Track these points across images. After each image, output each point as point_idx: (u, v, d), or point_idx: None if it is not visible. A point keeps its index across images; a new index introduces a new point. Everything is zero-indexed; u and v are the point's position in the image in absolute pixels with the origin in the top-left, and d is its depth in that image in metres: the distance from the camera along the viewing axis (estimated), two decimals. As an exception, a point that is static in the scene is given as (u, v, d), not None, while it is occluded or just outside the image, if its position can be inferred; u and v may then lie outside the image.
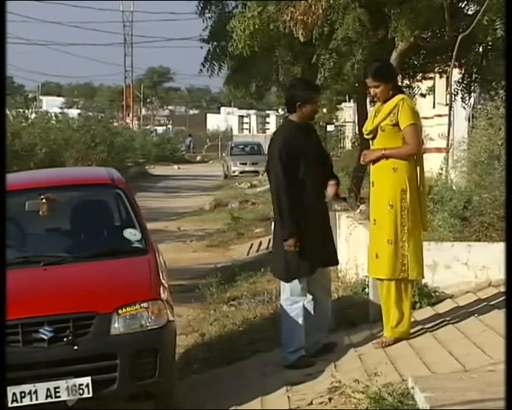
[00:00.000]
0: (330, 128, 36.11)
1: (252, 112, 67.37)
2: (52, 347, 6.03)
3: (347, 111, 38.54)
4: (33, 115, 29.89)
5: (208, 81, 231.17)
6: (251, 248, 16.59)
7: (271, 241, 8.56)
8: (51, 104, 72.09)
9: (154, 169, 48.18)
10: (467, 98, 13.77)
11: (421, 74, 14.48)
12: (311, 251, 7.18)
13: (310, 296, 7.41)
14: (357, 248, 10.08)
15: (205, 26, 14.30)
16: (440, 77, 15.41)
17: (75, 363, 6.04)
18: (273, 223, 7.67)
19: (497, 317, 6.99)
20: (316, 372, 6.96)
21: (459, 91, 13.54)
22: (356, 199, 12.71)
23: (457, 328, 7.26)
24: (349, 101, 33.60)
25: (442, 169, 10.79)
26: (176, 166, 52.06)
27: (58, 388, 5.98)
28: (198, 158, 63.98)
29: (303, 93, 7.37)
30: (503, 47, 9.41)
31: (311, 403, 6.30)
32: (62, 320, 6.09)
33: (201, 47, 14.49)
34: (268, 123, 65.65)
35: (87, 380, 6.01)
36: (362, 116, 13.79)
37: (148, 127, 71.78)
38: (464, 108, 14.17)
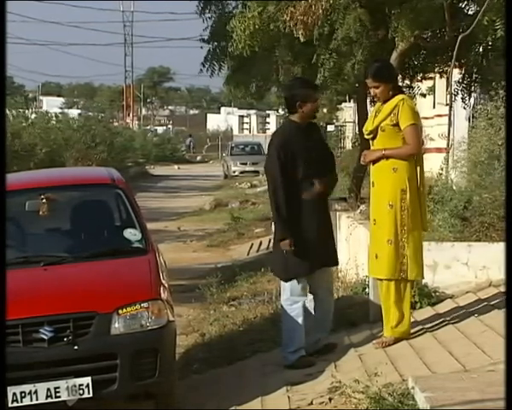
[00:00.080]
0: (330, 128, 36.11)
1: (252, 112, 67.40)
2: (52, 347, 6.03)
3: (347, 111, 38.53)
4: (33, 115, 29.90)
5: (208, 81, 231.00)
6: (251, 248, 16.59)
7: (271, 241, 8.56)
8: (51, 104, 72.09)
9: (155, 169, 48.19)
10: (467, 98, 13.77)
11: (421, 74, 14.47)
12: (310, 251, 7.18)
13: (310, 296, 7.41)
14: (357, 248, 10.08)
15: (205, 27, 14.31)
16: (440, 77, 15.39)
17: (75, 363, 6.05)
18: (273, 223, 7.67)
19: (497, 317, 6.99)
20: (316, 372, 6.96)
21: (459, 91, 13.54)
22: (356, 199, 12.70)
23: (457, 328, 7.26)
24: (349, 101, 33.58)
25: (442, 169, 10.79)
26: (176, 167, 52.07)
27: (58, 388, 5.99)
28: (198, 158, 63.99)
29: (302, 92, 7.36)
30: (503, 47, 9.41)
31: (312, 403, 6.30)
32: (62, 320, 6.09)
33: (201, 47, 14.51)
34: (268, 123, 65.70)
35: (87, 380, 6.01)
36: (362, 116, 13.78)
37: (148, 127, 71.79)
38: (464, 108, 14.17)
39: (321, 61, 12.30)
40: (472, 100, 14.33)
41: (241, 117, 69.16)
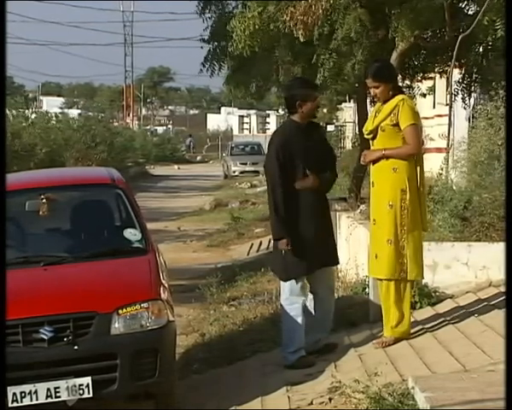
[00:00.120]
0: (330, 128, 36.10)
1: (252, 112, 67.42)
2: (52, 347, 6.03)
3: (347, 111, 38.55)
4: (33, 115, 29.84)
5: (208, 81, 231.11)
6: (251, 248, 16.59)
7: (271, 241, 8.56)
8: (51, 104, 72.09)
9: (155, 169, 48.19)
10: (467, 98, 13.77)
11: (421, 74, 14.48)
12: (309, 251, 7.18)
13: (311, 295, 7.42)
14: (357, 248, 10.08)
15: (205, 27, 14.33)
16: (440, 77, 15.40)
17: (75, 363, 6.04)
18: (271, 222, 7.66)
19: (497, 317, 6.99)
20: (316, 372, 6.96)
21: (459, 91, 13.55)
22: (356, 199, 12.71)
23: (457, 328, 7.26)
24: (349, 101, 33.60)
25: (442, 169, 10.80)
26: (176, 167, 52.07)
27: (58, 388, 5.99)
28: (198, 158, 63.99)
29: (302, 92, 7.36)
30: (503, 47, 9.41)
31: (312, 403, 6.30)
32: (62, 320, 6.09)
33: (201, 47, 14.53)
34: (268, 123, 65.71)
35: (87, 380, 6.01)
36: (362, 116, 13.79)
37: (148, 127, 71.82)
38: (464, 108, 14.18)
39: (321, 61, 12.30)
40: (472, 100, 14.34)
41: (241, 117, 69.18)
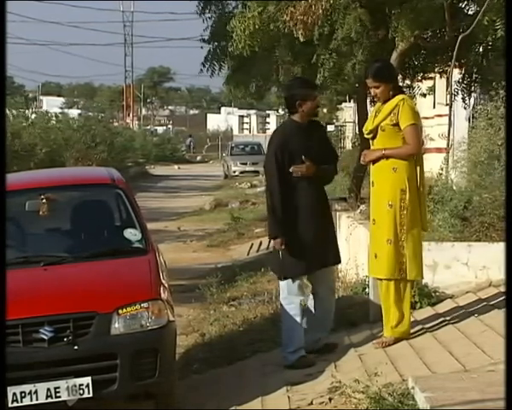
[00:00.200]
0: (330, 128, 36.10)
1: (252, 112, 67.46)
2: (52, 347, 6.03)
3: (347, 111, 38.55)
4: (33, 115, 29.87)
5: (208, 81, 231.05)
6: (251, 248, 16.59)
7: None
8: (51, 104, 72.08)
9: (155, 169, 48.20)
10: (467, 98, 13.77)
11: (421, 74, 14.47)
12: (306, 251, 7.18)
13: (310, 295, 7.42)
14: (357, 248, 10.08)
15: (205, 27, 14.32)
16: (441, 77, 15.39)
17: (75, 363, 6.04)
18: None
19: (498, 317, 6.99)
20: (316, 372, 6.96)
21: (459, 91, 13.54)
22: (356, 199, 12.70)
23: (457, 328, 7.26)
24: (349, 101, 33.59)
25: (442, 169, 10.79)
26: (176, 167, 52.09)
27: (58, 388, 5.99)
28: (198, 158, 64.00)
29: (301, 91, 7.37)
30: (503, 47, 9.40)
31: (312, 403, 6.30)
32: (62, 320, 6.09)
33: (202, 47, 14.52)
34: (268, 123, 65.76)
35: (87, 380, 6.01)
36: (362, 116, 13.79)
37: (148, 127, 71.85)
38: (465, 108, 14.17)
39: (321, 61, 12.30)
40: (472, 100, 14.33)
41: (241, 117, 69.23)
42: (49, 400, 5.98)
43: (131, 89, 74.35)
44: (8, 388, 5.90)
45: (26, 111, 29.38)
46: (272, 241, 7.35)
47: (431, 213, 8.82)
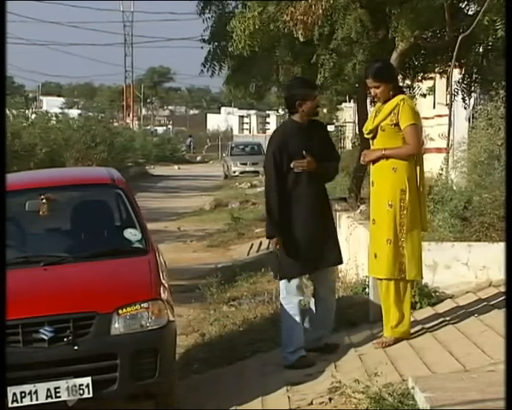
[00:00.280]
0: (330, 128, 36.11)
1: (252, 112, 67.46)
2: (52, 347, 6.03)
3: (347, 111, 38.59)
4: (33, 115, 29.87)
5: (208, 81, 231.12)
6: (251, 248, 16.59)
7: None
8: (51, 104, 72.10)
9: (155, 169, 48.19)
10: (467, 98, 13.77)
11: (421, 74, 14.46)
12: (304, 252, 7.19)
13: (310, 294, 7.42)
14: (357, 248, 10.08)
15: (205, 27, 14.32)
16: (441, 77, 15.39)
17: (75, 363, 6.04)
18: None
19: (498, 317, 6.99)
20: (316, 372, 6.96)
21: (459, 91, 13.53)
22: (356, 199, 12.71)
23: (457, 328, 7.26)
24: (349, 101, 33.63)
25: (442, 169, 10.79)
26: (176, 167, 52.08)
27: (58, 388, 5.98)
28: (198, 158, 64.00)
29: (301, 91, 7.37)
30: (503, 47, 9.41)
31: (312, 403, 6.30)
32: (62, 320, 6.09)
33: (202, 47, 14.52)
34: (268, 123, 65.76)
35: (87, 380, 6.01)
36: (362, 116, 13.78)
37: (148, 127, 71.85)
38: (465, 108, 14.17)
39: (321, 61, 12.30)
40: (472, 100, 14.33)
41: (241, 117, 69.23)
42: (49, 400, 5.98)
43: (131, 89, 74.36)
44: (9, 388, 5.89)
45: (26, 111, 29.38)
46: (269, 240, 7.37)
47: (431, 213, 8.82)
